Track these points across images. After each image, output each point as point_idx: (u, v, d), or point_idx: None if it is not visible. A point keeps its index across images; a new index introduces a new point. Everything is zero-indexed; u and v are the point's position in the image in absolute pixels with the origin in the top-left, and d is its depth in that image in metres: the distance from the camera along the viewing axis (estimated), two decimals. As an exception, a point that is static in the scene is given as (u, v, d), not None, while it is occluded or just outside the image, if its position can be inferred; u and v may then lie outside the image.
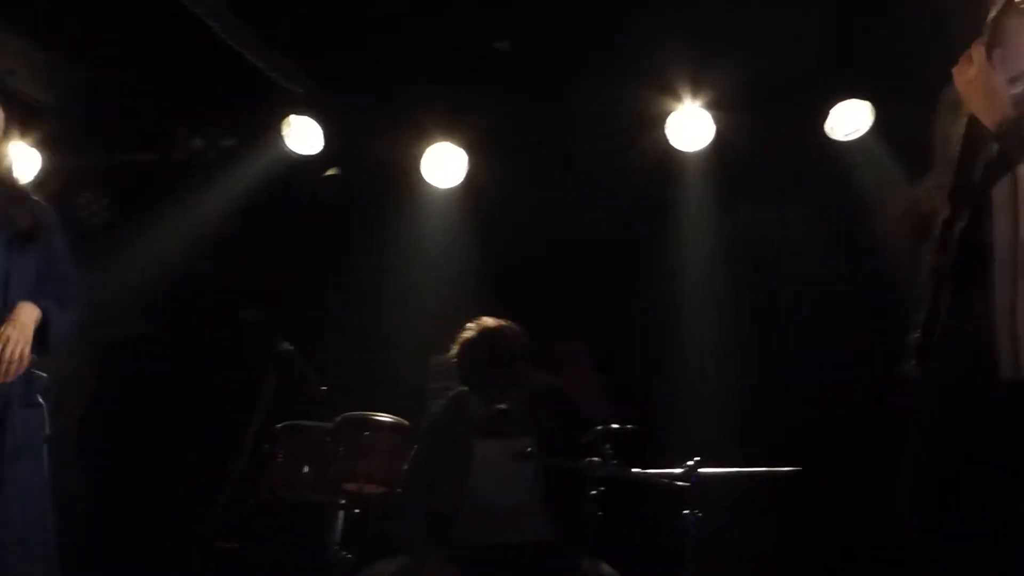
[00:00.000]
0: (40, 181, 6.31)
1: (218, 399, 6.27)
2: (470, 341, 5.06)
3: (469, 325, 5.11)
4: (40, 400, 3.88)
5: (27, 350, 3.75)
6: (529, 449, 4.74)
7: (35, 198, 4.00)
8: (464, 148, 6.36)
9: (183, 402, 6.53)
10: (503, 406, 5.00)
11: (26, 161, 6.24)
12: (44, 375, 3.92)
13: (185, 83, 6.08)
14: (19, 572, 3.69)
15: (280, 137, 6.30)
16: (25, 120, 6.04)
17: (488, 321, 5.10)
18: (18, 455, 3.75)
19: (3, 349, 3.69)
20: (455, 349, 5.09)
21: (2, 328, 3.71)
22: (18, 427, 3.76)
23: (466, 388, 5.09)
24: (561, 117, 6.25)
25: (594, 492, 4.58)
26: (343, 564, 4.97)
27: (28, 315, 3.79)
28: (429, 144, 6.35)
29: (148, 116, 6.33)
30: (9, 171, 3.96)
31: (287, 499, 5.17)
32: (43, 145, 6.25)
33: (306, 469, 5.04)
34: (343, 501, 5.07)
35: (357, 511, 5.12)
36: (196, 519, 5.60)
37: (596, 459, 4.62)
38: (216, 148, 6.45)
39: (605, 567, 4.70)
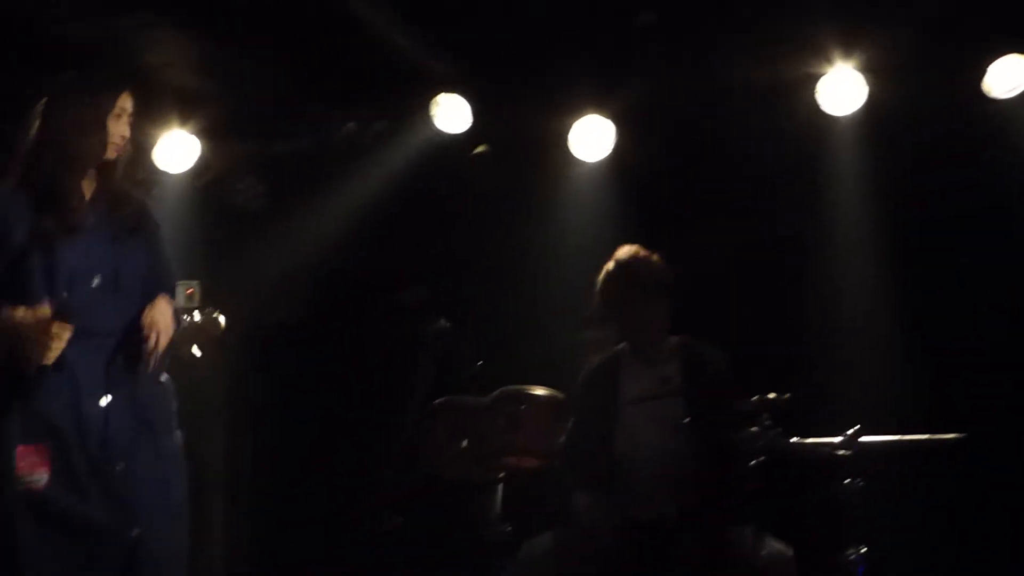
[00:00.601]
0: (200, 169, 6.52)
1: (377, 379, 6.38)
2: (613, 269, 5.06)
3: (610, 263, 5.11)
4: (165, 378, 4.00)
5: (166, 341, 3.86)
6: (686, 419, 4.74)
7: (139, 197, 4.08)
8: (612, 120, 6.32)
9: (343, 384, 6.66)
10: (656, 375, 4.99)
11: (188, 149, 6.44)
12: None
13: (335, 67, 6.17)
14: (153, 550, 3.79)
15: (429, 117, 6.35)
16: (184, 110, 6.29)
17: (630, 248, 5.10)
18: (150, 430, 3.89)
19: (151, 340, 3.80)
20: (600, 277, 5.09)
21: (147, 320, 3.82)
22: (147, 404, 3.91)
23: (617, 350, 5.09)
24: (709, 84, 6.16)
25: (754, 463, 4.55)
26: (503, 538, 5.04)
27: (168, 307, 3.91)
28: (577, 117, 6.33)
29: (301, 101, 6.44)
30: (115, 173, 4.00)
31: (447, 475, 5.25)
32: (202, 133, 6.42)
33: (464, 444, 5.11)
34: (502, 475, 5.12)
35: (516, 485, 5.17)
36: (359, 498, 5.73)
37: (755, 429, 4.59)
38: (369, 131, 6.53)
39: (770, 539, 4.67)
